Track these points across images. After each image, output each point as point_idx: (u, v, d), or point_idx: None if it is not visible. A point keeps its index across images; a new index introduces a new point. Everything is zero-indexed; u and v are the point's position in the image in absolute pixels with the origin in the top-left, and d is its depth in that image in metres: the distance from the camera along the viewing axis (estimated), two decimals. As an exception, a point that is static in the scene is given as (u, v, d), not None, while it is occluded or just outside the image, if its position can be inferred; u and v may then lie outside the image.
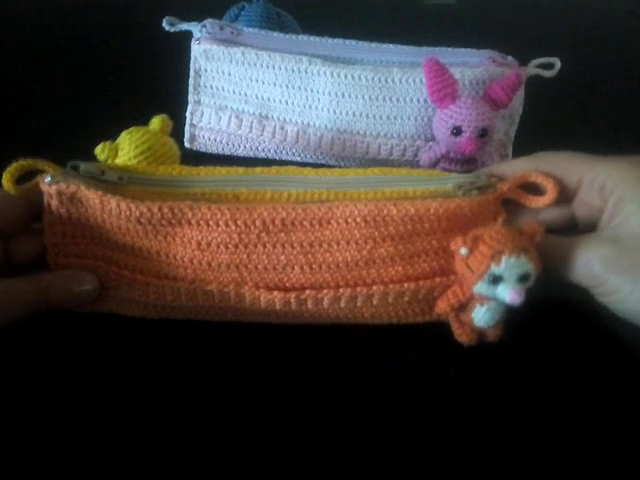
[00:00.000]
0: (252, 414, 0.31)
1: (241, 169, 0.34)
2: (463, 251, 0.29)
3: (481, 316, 0.31)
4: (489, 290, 0.29)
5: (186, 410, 0.31)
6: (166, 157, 0.36)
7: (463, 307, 0.32)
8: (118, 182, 0.31)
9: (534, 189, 0.33)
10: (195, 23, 0.46)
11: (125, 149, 0.35)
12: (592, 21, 0.81)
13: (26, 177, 0.31)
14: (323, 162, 0.48)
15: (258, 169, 0.34)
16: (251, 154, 0.49)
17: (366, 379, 0.33)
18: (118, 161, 0.35)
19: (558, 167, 0.32)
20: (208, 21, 0.47)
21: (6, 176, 0.30)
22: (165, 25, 0.46)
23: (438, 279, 0.32)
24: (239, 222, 0.30)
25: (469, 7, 0.84)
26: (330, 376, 0.33)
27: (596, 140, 0.54)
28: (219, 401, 0.31)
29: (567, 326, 0.35)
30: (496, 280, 0.29)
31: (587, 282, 0.30)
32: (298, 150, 0.48)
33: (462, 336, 0.32)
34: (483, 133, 0.40)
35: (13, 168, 0.30)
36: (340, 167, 0.48)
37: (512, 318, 0.32)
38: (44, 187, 0.30)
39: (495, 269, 0.29)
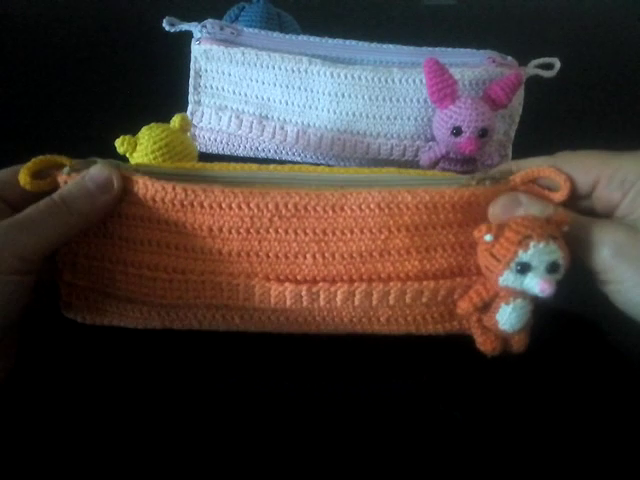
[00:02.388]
0: (260, 428, 0.30)
1: (255, 166, 0.33)
2: (488, 237, 0.28)
3: (507, 317, 0.29)
4: (516, 281, 0.27)
5: (194, 426, 0.30)
6: (183, 155, 0.36)
7: (487, 308, 0.30)
8: (133, 172, 0.31)
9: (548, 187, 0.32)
10: (195, 23, 0.46)
11: (143, 144, 0.35)
12: (592, 21, 0.82)
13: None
14: (323, 162, 0.48)
15: (272, 166, 0.33)
16: (251, 154, 0.49)
17: (379, 392, 0.32)
18: (136, 155, 0.35)
19: (575, 164, 0.32)
20: (208, 21, 0.47)
21: (24, 171, 0.30)
22: (165, 25, 0.46)
23: (458, 279, 0.30)
24: (252, 205, 0.29)
25: (469, 7, 0.84)
26: (341, 389, 0.32)
27: (596, 140, 0.54)
28: (224, 415, 0.31)
29: (581, 342, 0.35)
30: (524, 269, 0.27)
31: (594, 265, 0.29)
32: (298, 150, 0.48)
33: (485, 344, 0.30)
34: (483, 133, 0.40)
35: (32, 163, 0.30)
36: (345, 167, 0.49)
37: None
38: (62, 178, 0.30)
39: (523, 256, 0.27)
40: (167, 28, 0.46)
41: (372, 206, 0.30)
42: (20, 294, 0.28)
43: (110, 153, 0.36)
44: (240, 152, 0.49)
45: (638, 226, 0.29)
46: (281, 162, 0.49)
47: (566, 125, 0.56)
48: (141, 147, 0.35)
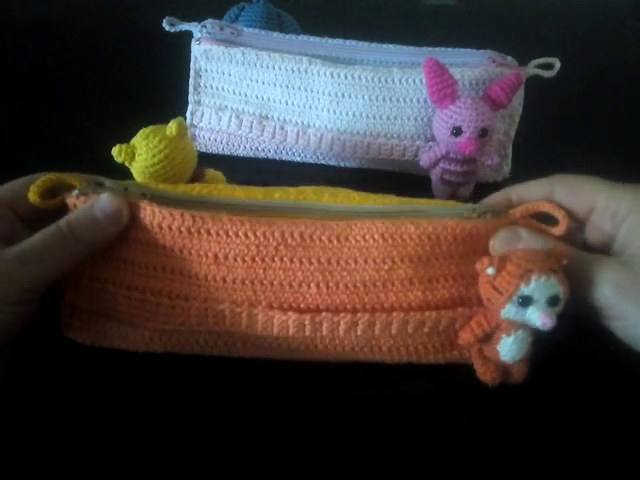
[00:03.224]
0: (264, 439, 0.30)
1: (260, 192, 0.33)
2: (490, 271, 0.28)
3: (508, 348, 0.29)
4: (518, 313, 0.28)
5: (196, 441, 0.30)
6: (184, 163, 0.35)
7: (488, 339, 0.30)
8: (141, 199, 0.31)
9: (546, 217, 0.32)
10: (195, 23, 0.46)
11: (142, 156, 0.34)
12: (592, 21, 0.82)
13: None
14: (323, 162, 0.48)
15: (277, 193, 0.33)
16: (251, 154, 0.49)
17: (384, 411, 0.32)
18: (135, 164, 0.35)
19: (572, 191, 0.32)
20: (208, 21, 0.47)
21: (33, 189, 0.29)
22: (165, 25, 0.46)
23: (460, 309, 0.31)
24: (258, 233, 0.30)
25: (469, 7, 0.84)
26: (349, 395, 0.32)
27: (595, 140, 0.54)
28: (224, 425, 0.31)
29: (586, 365, 0.34)
30: (525, 302, 0.28)
31: (596, 302, 0.29)
32: (298, 150, 0.48)
33: (485, 374, 0.30)
34: (483, 133, 0.40)
35: (41, 182, 0.30)
36: (341, 167, 0.49)
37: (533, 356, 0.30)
38: (71, 200, 0.30)
39: (525, 289, 0.27)
40: (167, 28, 0.46)
41: (376, 236, 0.30)
42: (20, 321, 0.28)
43: (110, 153, 0.36)
44: (240, 152, 0.49)
45: (635, 261, 0.30)
46: (281, 162, 0.49)
47: (566, 125, 0.56)
48: (140, 158, 0.34)
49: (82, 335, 0.32)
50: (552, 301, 0.28)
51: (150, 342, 0.32)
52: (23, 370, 0.31)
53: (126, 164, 0.35)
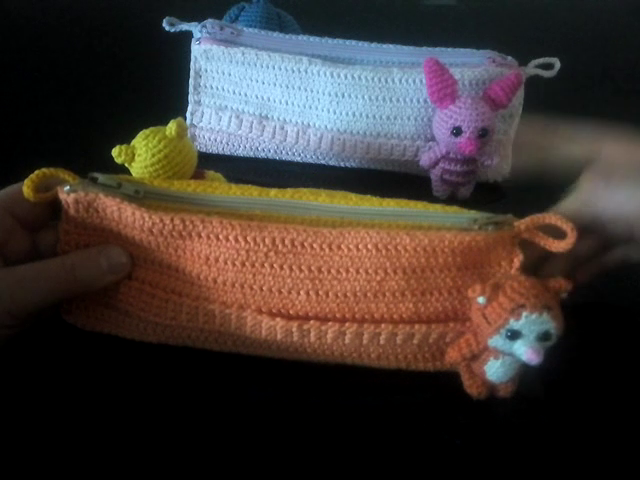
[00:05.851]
0: (257, 455, 0.29)
1: (255, 190, 0.33)
2: (481, 300, 0.28)
3: (494, 371, 0.29)
4: (505, 345, 0.27)
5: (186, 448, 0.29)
6: (183, 164, 0.35)
7: (476, 358, 0.30)
8: (134, 195, 0.31)
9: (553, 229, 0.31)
10: (195, 23, 0.46)
11: (142, 156, 0.34)
12: (592, 21, 0.82)
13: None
14: (323, 162, 0.48)
15: (273, 192, 0.33)
16: (251, 154, 0.49)
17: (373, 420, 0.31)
18: (135, 164, 0.35)
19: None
20: (208, 21, 0.47)
21: (27, 183, 0.30)
22: (165, 25, 0.46)
23: (451, 324, 0.30)
24: (248, 238, 0.30)
25: (469, 7, 0.84)
26: (341, 413, 0.31)
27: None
28: (219, 424, 0.30)
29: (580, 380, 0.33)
30: (514, 336, 0.27)
31: (618, 232, 0.32)
32: (298, 150, 0.48)
33: (472, 388, 0.30)
34: (483, 133, 0.40)
35: (35, 176, 0.30)
36: (341, 167, 0.49)
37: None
38: (62, 195, 0.30)
39: (514, 324, 0.27)
40: (167, 28, 0.46)
41: (369, 246, 0.29)
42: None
43: (110, 153, 0.36)
44: (240, 152, 0.49)
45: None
46: (281, 162, 0.49)
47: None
48: (140, 158, 0.34)
49: (81, 320, 0.32)
50: (542, 337, 0.27)
51: (144, 332, 0.32)
52: (22, 350, 0.31)
53: (126, 165, 0.35)
